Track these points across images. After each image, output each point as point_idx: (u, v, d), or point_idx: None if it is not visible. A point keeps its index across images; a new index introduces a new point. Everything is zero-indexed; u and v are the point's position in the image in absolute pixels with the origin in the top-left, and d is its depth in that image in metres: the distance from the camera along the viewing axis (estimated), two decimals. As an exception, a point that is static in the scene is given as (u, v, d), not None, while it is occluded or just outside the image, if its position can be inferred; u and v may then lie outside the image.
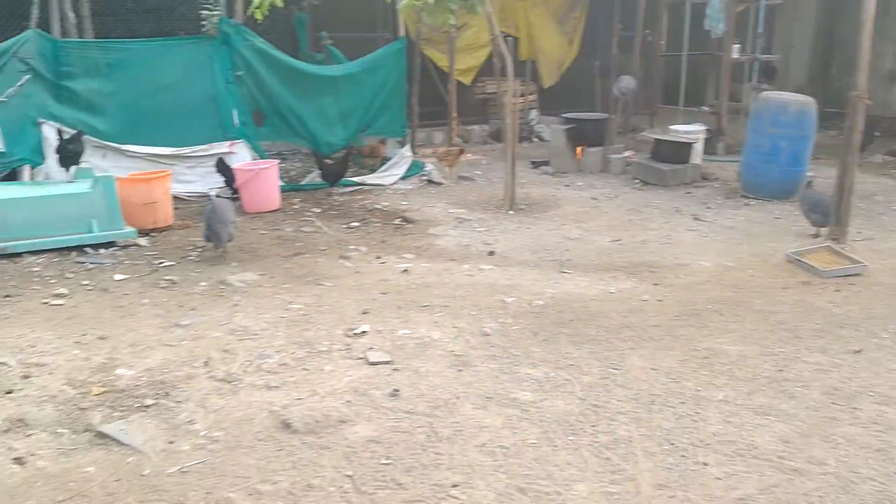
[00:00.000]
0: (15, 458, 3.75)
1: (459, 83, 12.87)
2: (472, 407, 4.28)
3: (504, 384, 4.55)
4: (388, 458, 3.79)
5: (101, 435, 3.97)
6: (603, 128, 11.37)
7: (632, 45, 14.13)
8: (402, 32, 11.00)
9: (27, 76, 8.57)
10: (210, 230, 6.90)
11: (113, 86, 9.11)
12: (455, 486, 3.56)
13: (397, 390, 4.46)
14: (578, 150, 11.18)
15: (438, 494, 3.50)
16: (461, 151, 10.69)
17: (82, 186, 7.49)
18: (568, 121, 11.50)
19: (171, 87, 9.41)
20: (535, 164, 11.43)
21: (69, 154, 8.27)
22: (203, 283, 6.34)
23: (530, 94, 14.26)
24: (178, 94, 9.46)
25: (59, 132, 8.39)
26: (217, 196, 7.36)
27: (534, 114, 14.25)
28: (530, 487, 3.55)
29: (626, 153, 11.45)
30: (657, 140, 10.81)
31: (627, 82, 13.37)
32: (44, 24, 9.13)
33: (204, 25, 9.51)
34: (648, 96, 14.32)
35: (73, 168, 8.26)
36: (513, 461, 3.76)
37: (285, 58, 10.06)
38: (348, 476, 3.64)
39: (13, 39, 8.58)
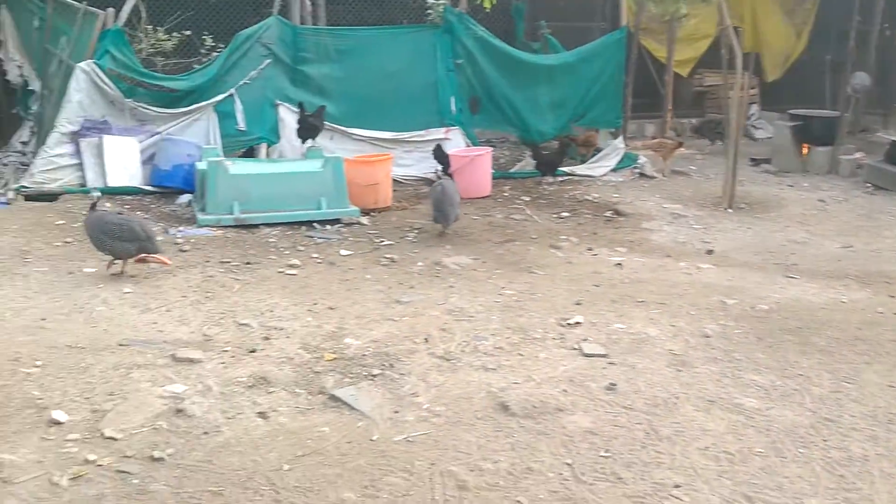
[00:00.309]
0: (259, 413, 4.07)
1: (676, 75, 12.49)
2: (693, 409, 4.17)
3: (727, 388, 4.39)
4: (606, 450, 3.77)
5: (334, 398, 4.22)
6: (833, 126, 10.65)
7: (868, 40, 13.10)
8: (623, 22, 10.82)
9: (268, 60, 9.24)
10: (439, 211, 7.16)
11: (343, 71, 9.62)
12: (677, 486, 3.49)
13: (614, 384, 4.42)
14: (804, 148, 10.53)
15: (660, 493, 3.44)
16: (679, 145, 10.38)
17: (314, 165, 7.99)
18: (794, 117, 10.86)
19: (395, 73, 9.81)
20: (756, 162, 10.91)
21: (308, 127, 8.82)
22: (420, 264, 6.58)
23: (751, 88, 13.58)
24: (400, 80, 9.84)
25: (301, 105, 8.93)
26: (444, 178, 7.60)
27: (754, 109, 13.59)
28: (758, 497, 3.41)
29: (857, 154, 10.65)
30: (893, 142, 9.98)
31: (862, 79, 12.39)
32: (282, 12, 9.77)
33: (428, 14, 9.82)
34: (883, 95, 13.24)
35: (308, 142, 8.83)
36: (739, 468, 3.63)
37: (504, 46, 10.20)
38: (567, 464, 3.65)
39: (257, 25, 9.28)
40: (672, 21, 11.20)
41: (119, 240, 5.93)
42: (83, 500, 3.30)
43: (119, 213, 6.24)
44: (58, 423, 3.87)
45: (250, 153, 9.27)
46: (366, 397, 4.24)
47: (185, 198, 8.30)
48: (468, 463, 3.66)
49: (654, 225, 7.93)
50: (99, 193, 6.45)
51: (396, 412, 4.11)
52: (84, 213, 6.38)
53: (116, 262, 6.02)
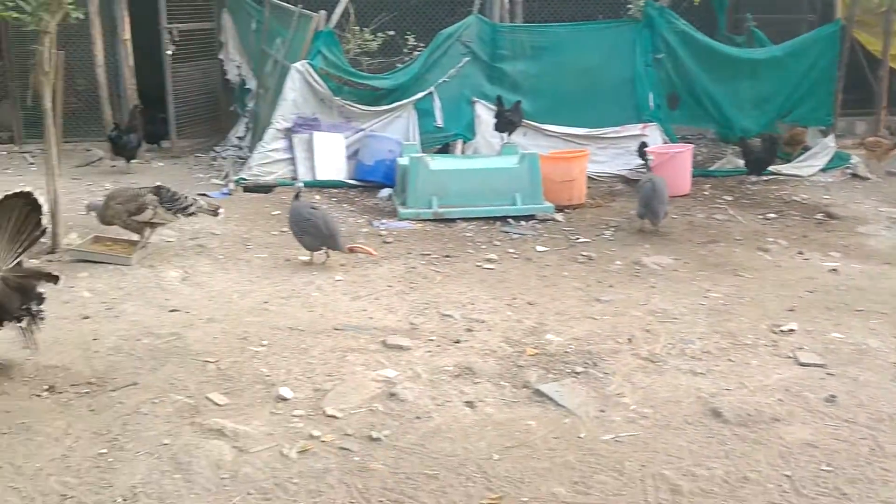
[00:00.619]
0: (466, 402, 4.19)
1: (892, 70, 11.56)
2: (925, 427, 3.88)
3: (964, 408, 4.05)
4: (828, 464, 3.58)
5: (539, 393, 4.26)
6: None
7: None
8: (837, 15, 10.17)
9: (467, 58, 9.43)
10: (648, 207, 7.07)
11: (538, 68, 9.66)
12: (910, 508, 3.26)
13: (834, 396, 4.18)
14: None
15: (893, 515, 3.24)
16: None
17: (510, 161, 8.08)
18: None
19: (591, 69, 9.73)
20: None
21: (506, 121, 8.93)
22: (618, 262, 6.50)
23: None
24: (596, 76, 9.76)
25: (500, 99, 9.05)
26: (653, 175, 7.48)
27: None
28: None
29: None
30: None
31: None
32: (481, 10, 9.93)
33: (628, 9, 9.67)
34: None
35: (504, 137, 8.95)
36: (983, 496, 3.34)
37: (706, 40, 9.88)
38: (786, 476, 3.50)
39: (457, 24, 9.50)
40: (889, 12, 10.38)
41: (306, 234, 6.31)
42: (311, 473, 3.52)
43: (313, 208, 6.59)
44: (284, 399, 4.16)
45: (445, 149, 9.51)
46: (570, 394, 4.26)
47: (385, 192, 8.63)
48: (680, 468, 3.59)
49: (871, 229, 7.40)
50: (302, 185, 6.86)
51: (602, 411, 4.10)
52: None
53: (319, 251, 6.40)
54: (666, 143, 9.45)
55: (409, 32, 10.18)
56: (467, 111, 9.46)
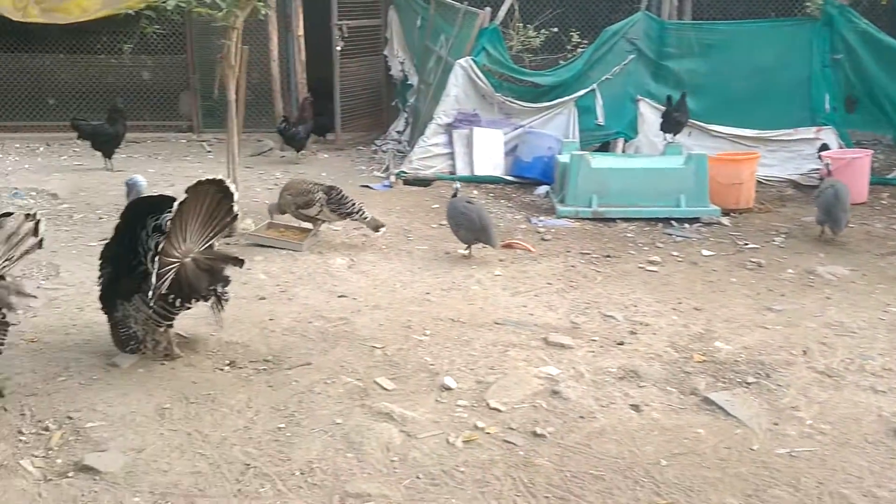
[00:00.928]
0: (632, 405, 4.12)
1: None
2: None
3: None
4: None
5: (708, 401, 4.14)
6: None
7: None
8: None
9: (632, 56, 9.28)
10: (829, 214, 6.74)
11: (707, 66, 9.38)
12: None
13: None
14: None
15: None
16: None
17: (675, 161, 7.88)
18: None
19: (763, 69, 9.34)
20: None
21: (672, 122, 8.73)
22: (790, 271, 6.22)
23: None
24: (768, 76, 9.36)
25: (669, 99, 8.85)
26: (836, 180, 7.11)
27: None
28: None
29: None
30: None
31: None
32: (648, 7, 9.73)
33: (806, 6, 9.21)
34: None
35: (669, 136, 8.75)
36: None
37: (890, 41, 9.23)
38: (984, 508, 3.25)
39: (624, 21, 9.35)
40: None
41: (461, 227, 6.39)
42: (476, 463, 3.57)
43: (468, 202, 6.65)
44: (448, 388, 4.24)
45: (604, 147, 9.39)
46: (742, 404, 4.11)
47: (543, 189, 8.62)
48: (860, 487, 3.41)
49: None
50: (458, 185, 6.94)
51: (776, 424, 3.93)
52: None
53: (475, 245, 6.47)
54: (841, 147, 8.93)
55: (573, 29, 10.10)
56: (630, 109, 9.31)
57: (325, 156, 10.77)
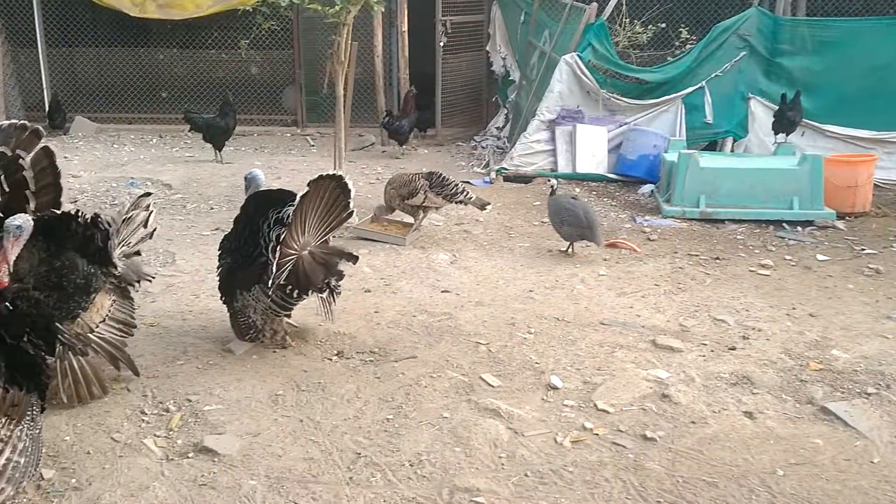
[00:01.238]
0: (745, 412, 4.01)
1: None
2: None
3: None
4: None
5: (826, 411, 3.99)
6: None
7: None
8: None
9: (743, 52, 8.99)
10: None
11: (822, 64, 8.99)
12: None
13: None
14: None
15: None
16: None
17: (788, 162, 7.62)
18: None
19: (880, 68, 8.89)
20: None
21: (787, 121, 8.43)
22: (912, 279, 5.94)
23: None
24: (886, 75, 8.90)
25: (784, 97, 8.55)
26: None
27: None
28: None
29: None
30: None
31: None
32: (760, 2, 9.42)
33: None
34: None
35: (780, 137, 8.46)
36: None
37: None
38: None
39: (736, 17, 9.07)
40: None
41: (565, 223, 6.31)
42: (585, 464, 3.54)
43: (573, 199, 6.59)
44: (554, 387, 4.21)
45: (712, 146, 9.16)
46: (862, 416, 3.95)
47: (647, 188, 8.46)
48: None
49: None
50: (555, 182, 6.84)
51: (899, 438, 3.76)
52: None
53: (578, 242, 6.43)
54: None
55: (681, 25, 9.88)
56: (740, 107, 9.03)
57: (425, 151, 10.84)
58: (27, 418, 3.19)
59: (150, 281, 4.65)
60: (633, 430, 3.81)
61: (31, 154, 4.82)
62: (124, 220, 4.32)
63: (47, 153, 4.90)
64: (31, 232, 3.73)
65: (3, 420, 3.06)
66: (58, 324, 3.71)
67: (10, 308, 3.17)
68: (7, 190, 4.72)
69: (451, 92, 11.48)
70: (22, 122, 4.91)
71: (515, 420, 3.88)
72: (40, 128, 4.95)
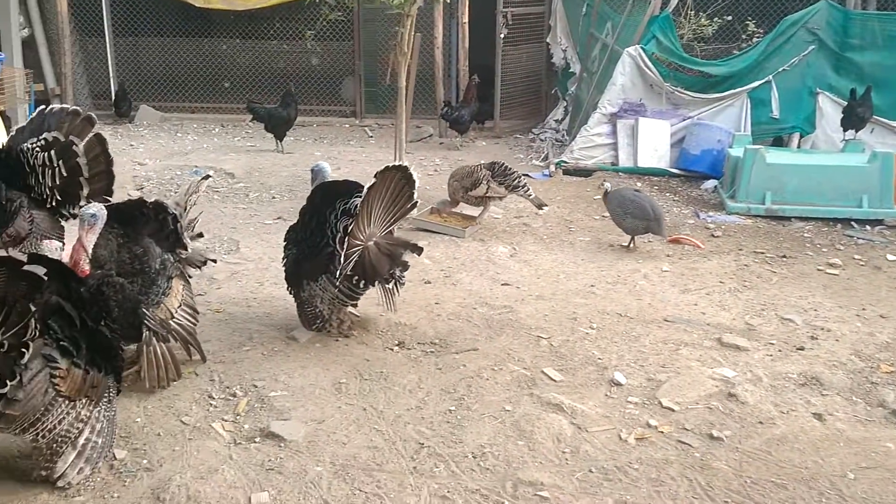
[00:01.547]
0: (814, 413, 3.92)
1: None
2: None
3: None
4: None
5: (898, 415, 3.90)
6: None
7: None
8: None
9: (812, 46, 8.77)
10: None
11: (893, 59, 8.71)
12: None
13: None
14: None
15: None
16: None
17: (858, 159, 7.42)
18: None
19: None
20: None
21: (856, 117, 8.19)
22: None
23: None
24: None
25: (854, 93, 8.33)
26: None
27: None
28: None
29: None
30: None
31: None
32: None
33: None
34: None
35: (849, 133, 8.25)
36: None
37: None
38: None
39: (805, 11, 8.84)
40: None
41: (631, 216, 6.23)
42: (650, 461, 3.50)
43: (636, 191, 6.52)
44: (618, 384, 4.17)
45: (777, 142, 8.96)
46: (939, 422, 3.84)
47: (710, 183, 8.32)
48: None
49: None
50: (608, 185, 6.74)
51: (979, 446, 3.65)
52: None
53: (641, 236, 6.38)
54: None
55: (748, 18, 9.67)
56: (808, 103, 8.80)
57: (483, 143, 10.82)
58: (104, 400, 3.28)
59: (214, 263, 4.71)
60: (699, 429, 3.76)
61: (84, 141, 4.96)
62: (187, 204, 4.38)
63: (100, 140, 5.03)
64: (106, 220, 3.81)
65: (84, 401, 3.15)
66: (144, 310, 3.78)
67: (91, 293, 3.25)
68: (65, 175, 4.87)
69: (511, 84, 11.42)
70: (74, 107, 5.05)
71: (579, 415, 3.86)
72: (93, 115, 5.09)
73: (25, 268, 2.80)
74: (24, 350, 2.87)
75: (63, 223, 5.09)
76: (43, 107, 5.08)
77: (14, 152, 4.89)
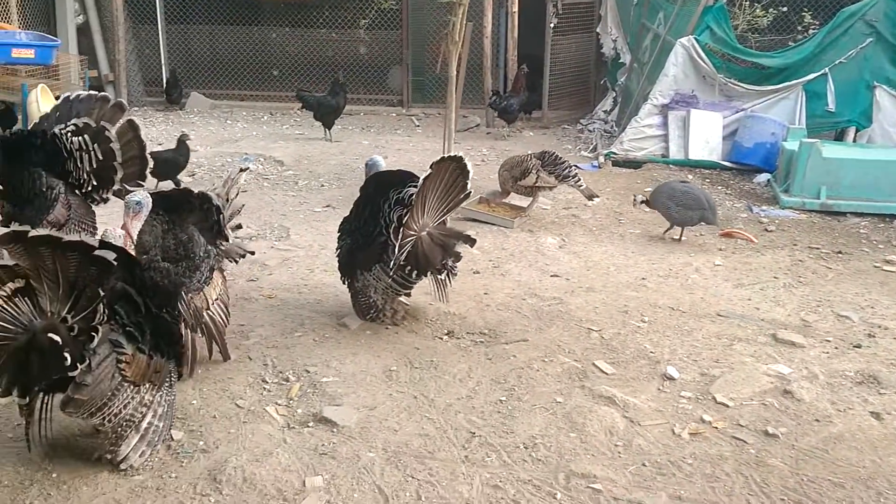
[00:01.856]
0: (872, 412, 3.85)
1: None
2: None
3: None
4: None
5: (962, 417, 3.80)
6: None
7: None
8: None
9: (869, 39, 8.56)
10: None
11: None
12: None
13: None
14: None
15: None
16: None
17: (917, 155, 7.26)
18: None
19: None
20: None
21: None
22: None
23: None
24: None
25: None
26: None
27: None
28: None
29: None
30: None
31: None
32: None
33: None
34: None
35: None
36: None
37: None
38: None
39: (862, 2, 8.63)
40: None
41: (684, 207, 6.15)
42: (704, 457, 3.46)
43: (684, 182, 6.45)
44: (671, 378, 4.13)
45: (840, 136, 8.78)
46: None
47: (763, 177, 8.19)
48: None
49: None
50: (641, 197, 6.64)
51: None
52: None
53: (674, 228, 6.32)
54: None
55: (804, 9, 9.47)
56: (865, 96, 8.60)
57: (531, 134, 10.77)
58: (166, 384, 3.33)
59: (252, 255, 4.70)
60: (753, 426, 3.71)
61: (117, 126, 5.02)
62: (228, 195, 4.39)
63: (132, 126, 5.08)
64: (151, 207, 3.85)
65: (147, 385, 3.20)
66: (182, 294, 3.81)
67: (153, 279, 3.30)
68: (101, 158, 4.93)
69: (559, 74, 11.35)
70: (103, 93, 5.13)
71: (631, 409, 3.83)
72: (123, 101, 5.16)
73: (96, 253, 2.84)
74: (93, 334, 2.93)
75: (94, 208, 5.14)
76: (68, 94, 5.15)
77: (50, 137, 4.91)
